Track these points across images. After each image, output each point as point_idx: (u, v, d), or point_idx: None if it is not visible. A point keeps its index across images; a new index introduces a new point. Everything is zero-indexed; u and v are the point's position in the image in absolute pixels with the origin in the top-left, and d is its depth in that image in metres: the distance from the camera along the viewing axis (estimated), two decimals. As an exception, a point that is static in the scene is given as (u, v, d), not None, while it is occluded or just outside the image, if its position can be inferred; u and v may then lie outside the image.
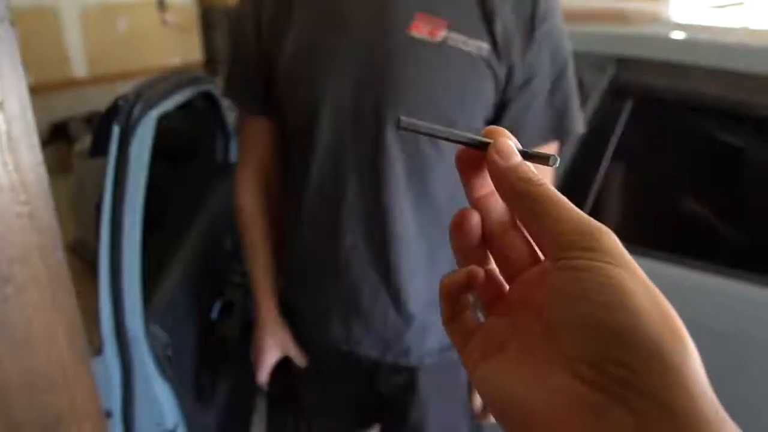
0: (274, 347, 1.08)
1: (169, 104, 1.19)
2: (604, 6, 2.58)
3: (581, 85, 1.31)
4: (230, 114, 1.70)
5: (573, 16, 2.04)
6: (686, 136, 1.37)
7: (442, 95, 0.84)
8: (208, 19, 5.58)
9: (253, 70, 0.95)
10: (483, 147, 0.30)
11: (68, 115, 4.59)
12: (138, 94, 1.08)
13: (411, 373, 1.03)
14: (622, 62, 1.31)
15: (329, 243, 0.95)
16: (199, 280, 1.40)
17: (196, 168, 1.73)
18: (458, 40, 0.81)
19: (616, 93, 1.30)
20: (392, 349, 1.00)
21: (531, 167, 0.29)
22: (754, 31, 1.75)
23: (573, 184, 1.29)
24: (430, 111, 0.84)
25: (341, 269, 0.96)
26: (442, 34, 0.81)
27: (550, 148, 0.92)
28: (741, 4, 5.46)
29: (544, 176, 0.92)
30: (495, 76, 0.83)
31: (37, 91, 4.46)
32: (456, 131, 0.30)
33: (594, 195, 1.30)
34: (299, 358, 1.09)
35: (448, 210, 0.92)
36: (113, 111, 1.04)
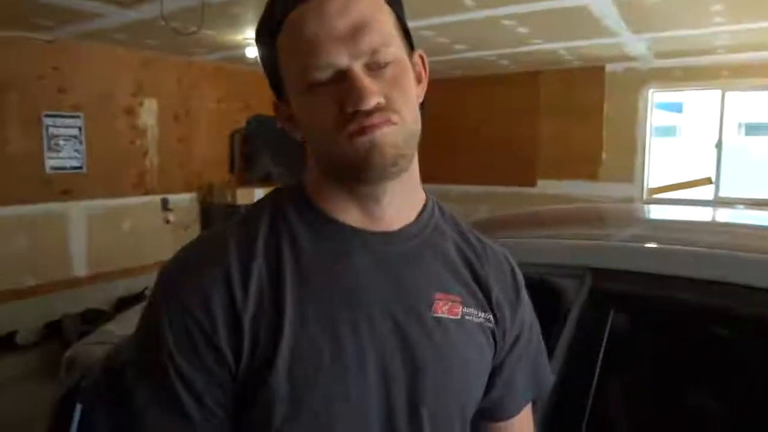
0: None
1: None
2: (580, 208, 2.72)
3: (560, 296, 1.35)
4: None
5: (552, 220, 2.15)
6: (670, 340, 1.40)
7: (469, 373, 0.77)
8: (207, 215, 5.90)
9: (217, 374, 0.67)
10: None
11: (63, 313, 4.60)
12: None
13: None
14: (599, 272, 1.35)
15: None
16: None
17: None
18: (472, 313, 0.77)
19: (596, 303, 1.33)
20: None
21: None
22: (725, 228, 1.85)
23: (567, 398, 1.28)
24: (461, 395, 0.76)
25: None
26: (459, 310, 0.76)
27: (529, 407, 0.89)
28: (708, 182, 5.86)
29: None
30: (495, 344, 0.80)
31: (35, 292, 4.54)
32: None
33: (590, 407, 1.28)
34: None
35: None
36: (75, 390, 1.01)
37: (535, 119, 6.35)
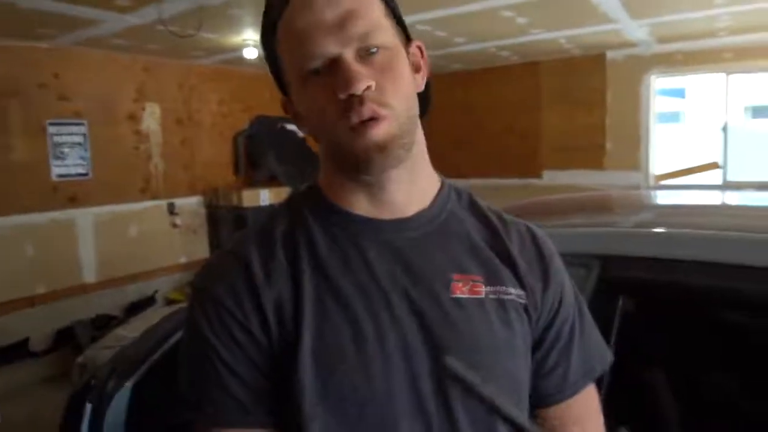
0: None
1: (147, 366, 1.12)
2: (586, 195, 2.68)
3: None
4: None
5: (556, 208, 2.15)
6: (682, 325, 1.38)
7: (502, 352, 0.74)
8: (214, 219, 5.91)
9: (257, 361, 0.70)
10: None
11: (75, 319, 4.63)
12: (112, 369, 1.04)
13: None
14: (607, 259, 1.33)
15: None
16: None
17: None
18: (499, 291, 0.75)
19: (605, 290, 1.30)
20: None
21: None
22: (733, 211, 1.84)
23: None
24: (501, 378, 0.73)
25: None
26: (482, 289, 0.74)
27: (590, 392, 0.84)
28: (715, 167, 5.81)
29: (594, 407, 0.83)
30: (530, 320, 0.78)
31: (47, 299, 4.57)
32: (500, 401, 0.27)
33: (604, 395, 1.27)
34: None
35: None
36: (85, 390, 1.00)
37: (537, 110, 6.31)
